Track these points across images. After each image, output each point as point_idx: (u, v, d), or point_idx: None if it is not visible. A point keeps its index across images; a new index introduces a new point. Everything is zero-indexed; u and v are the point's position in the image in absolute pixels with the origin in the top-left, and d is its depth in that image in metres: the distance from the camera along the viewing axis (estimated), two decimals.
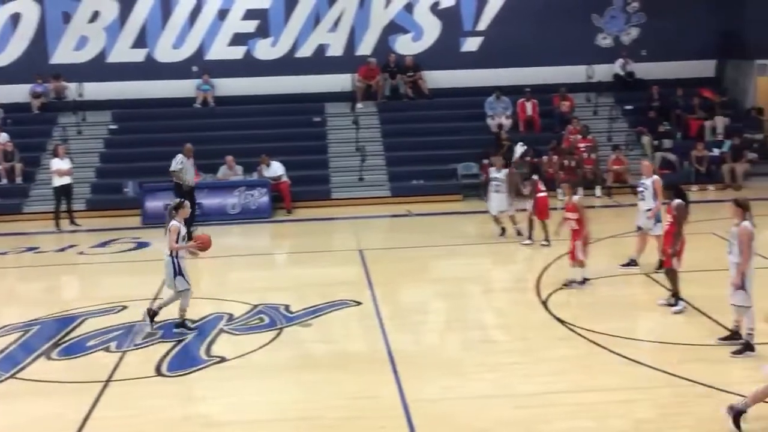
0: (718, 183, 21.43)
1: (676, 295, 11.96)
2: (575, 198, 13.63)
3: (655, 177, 14.07)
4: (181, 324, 11.66)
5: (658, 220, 13.64)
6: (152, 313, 11.74)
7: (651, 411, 8.90)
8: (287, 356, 10.88)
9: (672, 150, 22.02)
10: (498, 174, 16.61)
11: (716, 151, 21.99)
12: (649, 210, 13.75)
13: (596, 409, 9.01)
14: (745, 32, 23.33)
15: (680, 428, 8.52)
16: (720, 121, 22.82)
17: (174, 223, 11.58)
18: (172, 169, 17.67)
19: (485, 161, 20.46)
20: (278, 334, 11.63)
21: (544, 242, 15.64)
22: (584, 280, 13.18)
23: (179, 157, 17.74)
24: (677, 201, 11.85)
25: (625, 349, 10.56)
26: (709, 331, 11.05)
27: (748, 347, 10.13)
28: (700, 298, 12.12)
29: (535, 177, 16.16)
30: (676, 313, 11.81)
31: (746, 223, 10.10)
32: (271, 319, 12.22)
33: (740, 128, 22.64)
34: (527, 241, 15.93)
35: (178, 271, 11.48)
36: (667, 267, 11.99)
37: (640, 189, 14.12)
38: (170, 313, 11.82)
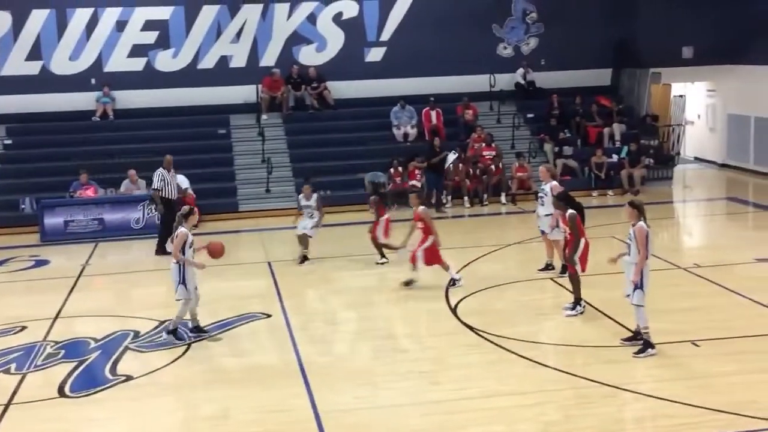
0: (617, 188, 22.05)
1: (577, 300, 12.24)
2: (421, 208, 13.92)
3: (554, 182, 14.37)
4: (173, 332, 11.51)
5: (556, 225, 13.93)
6: (172, 331, 11.62)
7: (558, 413, 9.07)
8: (197, 372, 10.69)
9: (572, 156, 22.57)
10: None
11: (615, 157, 22.63)
12: (549, 215, 14.00)
13: (506, 413, 9.13)
14: (638, 42, 24.12)
15: (585, 429, 8.71)
16: (617, 128, 23.50)
17: (182, 230, 11.55)
18: (154, 187, 17.29)
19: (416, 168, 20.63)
20: (187, 350, 11.43)
21: (383, 260, 15.62)
22: (454, 281, 13.71)
23: (159, 172, 17.34)
24: (570, 211, 12.13)
25: (533, 352, 10.75)
26: (613, 333, 11.33)
27: (648, 345, 10.43)
28: (602, 300, 12.44)
29: (374, 197, 15.95)
30: (569, 316, 12.09)
31: (641, 223, 10.45)
32: (179, 334, 11.99)
33: (636, 134, 23.37)
34: (382, 260, 15.77)
35: (181, 280, 11.40)
36: (570, 273, 12.28)
37: (540, 195, 14.38)
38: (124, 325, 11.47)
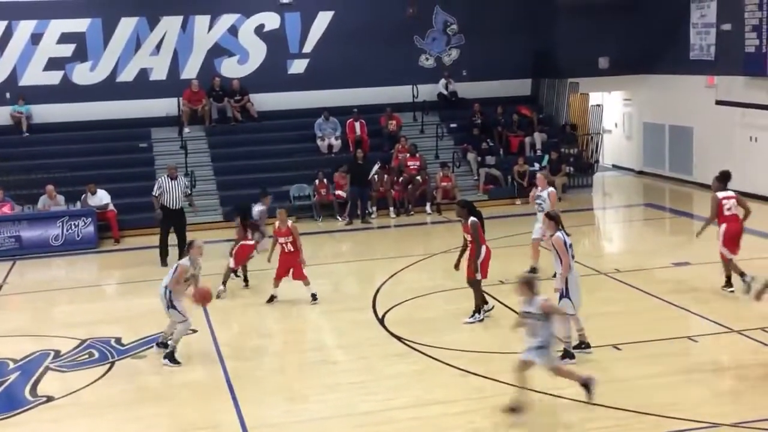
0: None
1: (477, 308, 12.38)
2: (290, 223, 13.93)
3: (551, 189, 14.52)
4: (170, 355, 11.17)
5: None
6: (169, 355, 11.22)
7: (486, 420, 9.15)
8: (121, 391, 10.47)
9: (495, 166, 22.87)
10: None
11: (536, 166, 23.01)
12: None
13: (435, 422, 9.18)
14: (556, 53, 24.62)
15: None
16: (538, 137, 23.91)
17: (183, 262, 11.22)
18: (153, 194, 17.11)
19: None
20: (110, 368, 11.19)
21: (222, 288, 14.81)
22: (272, 297, 13.86)
23: (159, 179, 17.17)
24: (472, 219, 12.28)
25: (460, 361, 10.84)
26: None
27: (568, 355, 10.55)
28: None
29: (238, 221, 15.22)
30: (467, 323, 12.23)
31: (558, 234, 10.63)
32: (102, 353, 11.74)
33: (557, 143, 23.82)
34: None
35: (170, 305, 11.11)
36: (470, 279, 12.35)
37: (538, 202, 14.37)
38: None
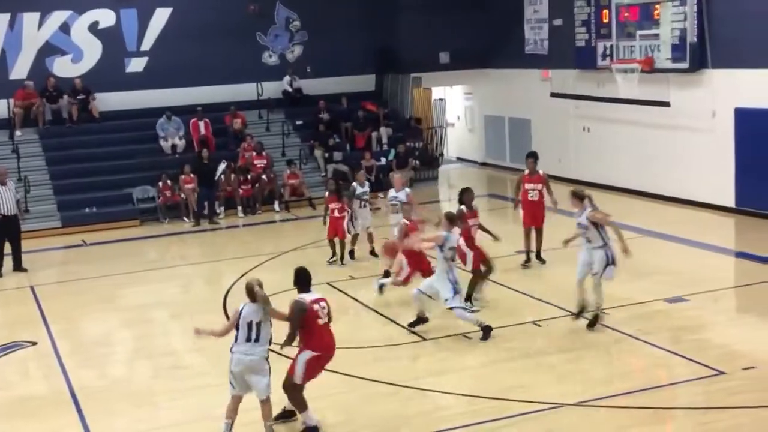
0: (387, 190, 22.59)
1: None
2: None
3: (408, 190, 14.54)
4: None
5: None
6: None
7: (341, 415, 9.17)
8: None
9: (342, 161, 22.96)
10: None
11: (383, 160, 23.26)
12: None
13: (293, 420, 9.12)
14: (399, 48, 24.97)
15: (367, 427, 8.87)
16: (384, 132, 24.18)
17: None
18: None
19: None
20: None
21: None
22: None
23: None
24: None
25: None
26: (390, 334, 11.64)
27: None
28: (376, 301, 12.71)
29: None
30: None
31: (444, 234, 11.17)
32: None
33: (402, 137, 24.15)
34: None
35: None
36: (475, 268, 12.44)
37: (394, 203, 14.35)
38: None
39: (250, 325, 8.47)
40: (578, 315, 11.30)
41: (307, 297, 8.71)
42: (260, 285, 8.58)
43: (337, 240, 15.28)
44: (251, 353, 8.43)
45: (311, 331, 8.63)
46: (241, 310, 8.57)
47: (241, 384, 8.52)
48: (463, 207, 12.51)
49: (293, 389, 8.68)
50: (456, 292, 11.03)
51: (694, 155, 18.49)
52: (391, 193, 14.76)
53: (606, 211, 11.34)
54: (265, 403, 8.55)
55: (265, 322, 8.50)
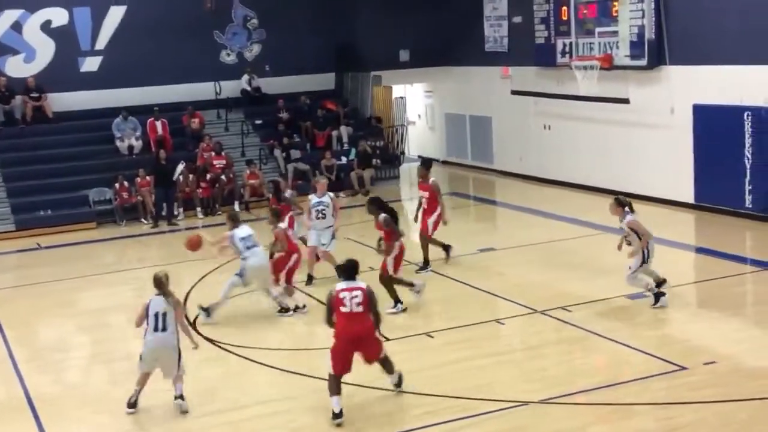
0: (348, 189, 22.55)
1: (396, 299, 12.30)
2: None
3: (332, 194, 14.33)
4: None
5: (333, 236, 13.95)
6: None
7: (307, 416, 9.07)
8: None
9: (302, 160, 22.79)
10: None
11: (344, 159, 23.14)
12: (330, 227, 13.90)
13: (254, 424, 9.02)
14: (358, 46, 24.85)
15: (334, 429, 8.76)
16: (344, 131, 24.05)
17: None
18: None
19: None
20: None
21: None
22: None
23: None
24: (383, 216, 12.25)
25: (278, 360, 10.68)
26: None
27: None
28: None
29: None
30: (391, 313, 11.98)
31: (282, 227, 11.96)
32: None
33: (363, 136, 24.04)
34: None
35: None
36: (383, 276, 12.28)
37: (319, 208, 13.93)
38: None
39: (156, 316, 9.23)
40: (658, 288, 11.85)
41: (339, 285, 9.11)
42: (167, 278, 9.53)
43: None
44: (162, 342, 9.24)
45: (337, 319, 9.00)
46: (149, 303, 9.38)
47: (150, 364, 9.38)
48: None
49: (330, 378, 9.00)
50: None
51: (653, 151, 18.62)
52: (314, 198, 14.12)
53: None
54: (176, 380, 9.36)
55: (170, 312, 9.27)
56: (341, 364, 8.94)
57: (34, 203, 20.30)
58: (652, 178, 18.69)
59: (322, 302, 12.64)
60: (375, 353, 9.20)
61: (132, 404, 9.35)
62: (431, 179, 14.71)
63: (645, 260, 11.74)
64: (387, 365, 9.37)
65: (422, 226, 14.60)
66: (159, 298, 9.31)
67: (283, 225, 12.76)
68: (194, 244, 12.55)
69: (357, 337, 8.95)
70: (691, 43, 17.41)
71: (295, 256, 12.61)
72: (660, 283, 11.91)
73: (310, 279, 13.95)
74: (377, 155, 23.94)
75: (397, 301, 12.31)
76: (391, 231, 12.22)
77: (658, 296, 11.81)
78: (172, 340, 9.27)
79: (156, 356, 9.30)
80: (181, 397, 9.31)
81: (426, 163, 15.28)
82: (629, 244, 11.76)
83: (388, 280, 12.30)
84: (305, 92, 24.47)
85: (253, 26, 24.90)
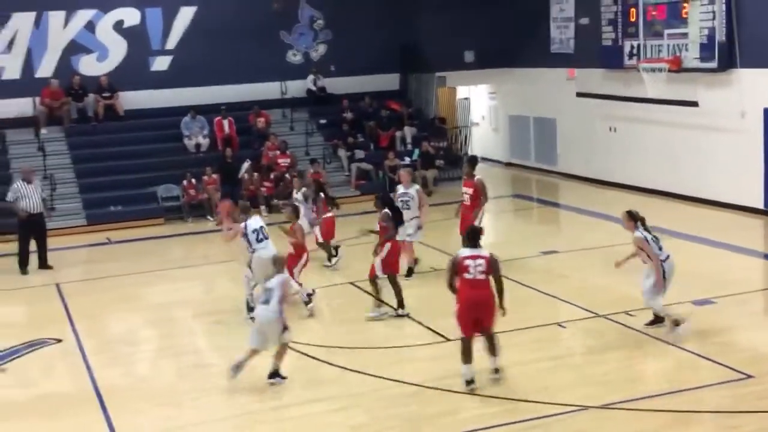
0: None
1: (400, 303, 12.30)
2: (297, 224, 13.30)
3: (417, 186, 14.43)
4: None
5: (419, 227, 14.06)
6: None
7: (365, 415, 9.14)
8: None
9: (366, 160, 22.92)
10: None
11: (407, 160, 23.21)
12: (414, 218, 13.97)
13: (316, 420, 9.11)
14: (423, 47, 24.85)
15: (391, 429, 8.83)
16: (408, 131, 24.10)
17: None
18: (8, 199, 16.28)
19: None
20: None
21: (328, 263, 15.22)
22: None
23: (15, 185, 16.38)
24: (384, 211, 12.31)
25: (337, 358, 10.78)
26: (412, 333, 11.59)
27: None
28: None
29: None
30: (372, 319, 12.16)
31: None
32: None
33: (427, 137, 24.06)
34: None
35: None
36: (371, 277, 12.36)
37: (404, 199, 14.03)
38: None
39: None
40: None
41: (463, 252, 9.53)
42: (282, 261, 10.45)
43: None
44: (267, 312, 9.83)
45: (460, 285, 9.47)
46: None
47: (260, 339, 9.92)
48: None
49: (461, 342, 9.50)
50: None
51: (721, 156, 18.28)
52: (400, 189, 14.47)
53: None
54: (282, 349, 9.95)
55: (277, 290, 9.89)
56: (469, 326, 9.46)
57: (104, 199, 20.80)
58: (720, 183, 18.35)
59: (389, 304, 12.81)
60: (491, 321, 9.63)
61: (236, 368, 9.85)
62: (476, 177, 14.52)
63: (664, 278, 10.82)
64: (493, 345, 9.68)
65: (461, 224, 13.94)
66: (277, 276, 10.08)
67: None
68: (224, 208, 13.28)
69: (478, 302, 9.44)
70: (762, 45, 17.05)
71: (305, 255, 12.74)
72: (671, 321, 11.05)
73: (410, 272, 14.05)
74: (441, 156, 23.94)
75: (380, 304, 12.25)
76: (386, 228, 12.24)
77: (659, 320, 11.11)
78: (276, 313, 9.84)
79: (263, 327, 9.90)
80: (276, 374, 9.91)
81: (471, 161, 15.18)
82: (644, 261, 11.00)
83: (373, 282, 12.31)
84: (370, 92, 24.59)
85: (319, 27, 25.11)
